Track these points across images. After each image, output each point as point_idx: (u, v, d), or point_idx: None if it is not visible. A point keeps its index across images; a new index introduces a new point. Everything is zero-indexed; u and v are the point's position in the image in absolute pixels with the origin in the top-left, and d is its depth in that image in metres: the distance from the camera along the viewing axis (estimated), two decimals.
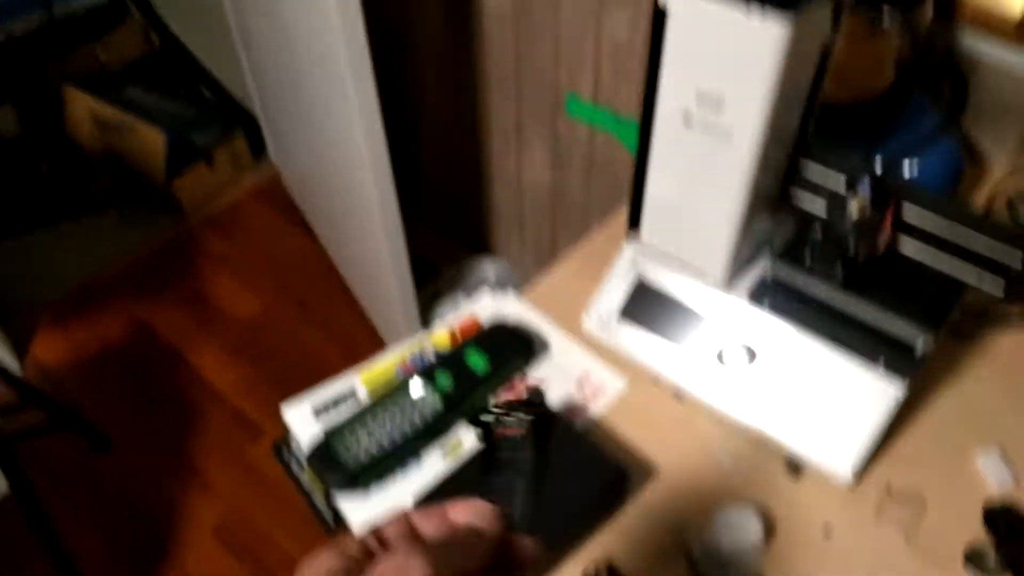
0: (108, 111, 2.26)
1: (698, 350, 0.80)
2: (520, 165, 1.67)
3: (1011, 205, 0.87)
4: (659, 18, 0.65)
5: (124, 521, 1.77)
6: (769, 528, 0.73)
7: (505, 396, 0.82)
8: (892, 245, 0.73)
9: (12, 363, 2.00)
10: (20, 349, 2.04)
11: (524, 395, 0.81)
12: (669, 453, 0.79)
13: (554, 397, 0.82)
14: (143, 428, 1.91)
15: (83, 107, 2.29)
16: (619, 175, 1.45)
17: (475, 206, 1.91)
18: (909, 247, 0.73)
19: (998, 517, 0.74)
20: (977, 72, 0.95)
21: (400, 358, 0.85)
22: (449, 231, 2.10)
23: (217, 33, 2.13)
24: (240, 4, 1.92)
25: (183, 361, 2.02)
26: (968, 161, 0.97)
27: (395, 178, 1.44)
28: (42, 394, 1.75)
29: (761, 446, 0.79)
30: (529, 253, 1.87)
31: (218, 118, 2.39)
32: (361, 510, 0.75)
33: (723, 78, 0.65)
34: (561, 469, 0.71)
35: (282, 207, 2.33)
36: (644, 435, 0.80)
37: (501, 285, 1.86)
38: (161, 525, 1.76)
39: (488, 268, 1.93)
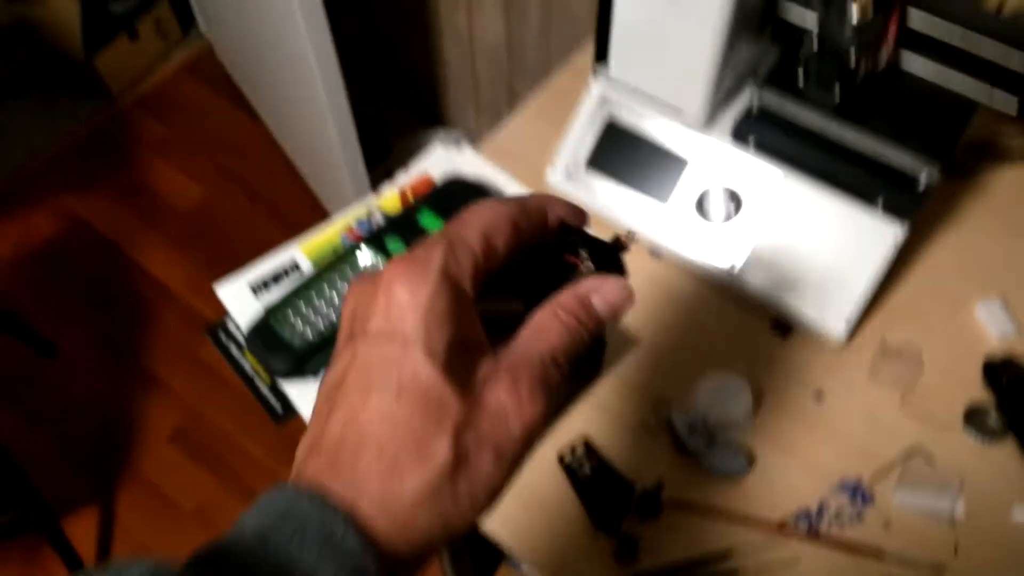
0: None
1: (676, 201, 0.71)
2: (471, 18, 1.53)
3: None
4: None
5: (77, 428, 1.69)
6: (757, 395, 0.67)
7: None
8: (894, 62, 0.64)
9: None
10: None
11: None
12: (647, 317, 0.71)
13: None
14: (89, 331, 1.81)
15: None
16: (579, 22, 1.32)
17: (426, 72, 1.77)
18: (913, 64, 0.64)
19: (999, 371, 0.68)
20: None
21: (345, 225, 0.75)
22: (401, 105, 1.97)
23: None
24: None
25: (125, 257, 1.90)
26: None
27: (337, 45, 1.31)
28: None
29: (746, 305, 0.72)
30: (485, 120, 1.75)
31: None
32: (311, 395, 0.67)
33: None
34: None
35: (217, 83, 2.15)
36: None
37: None
38: (115, 431, 1.68)
39: (442, 140, 1.81)
